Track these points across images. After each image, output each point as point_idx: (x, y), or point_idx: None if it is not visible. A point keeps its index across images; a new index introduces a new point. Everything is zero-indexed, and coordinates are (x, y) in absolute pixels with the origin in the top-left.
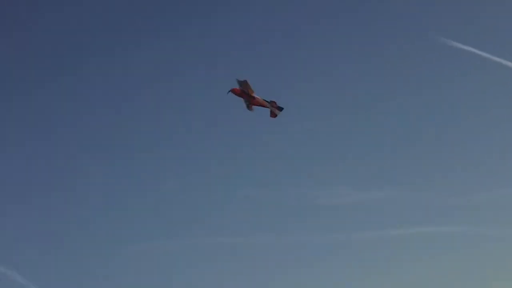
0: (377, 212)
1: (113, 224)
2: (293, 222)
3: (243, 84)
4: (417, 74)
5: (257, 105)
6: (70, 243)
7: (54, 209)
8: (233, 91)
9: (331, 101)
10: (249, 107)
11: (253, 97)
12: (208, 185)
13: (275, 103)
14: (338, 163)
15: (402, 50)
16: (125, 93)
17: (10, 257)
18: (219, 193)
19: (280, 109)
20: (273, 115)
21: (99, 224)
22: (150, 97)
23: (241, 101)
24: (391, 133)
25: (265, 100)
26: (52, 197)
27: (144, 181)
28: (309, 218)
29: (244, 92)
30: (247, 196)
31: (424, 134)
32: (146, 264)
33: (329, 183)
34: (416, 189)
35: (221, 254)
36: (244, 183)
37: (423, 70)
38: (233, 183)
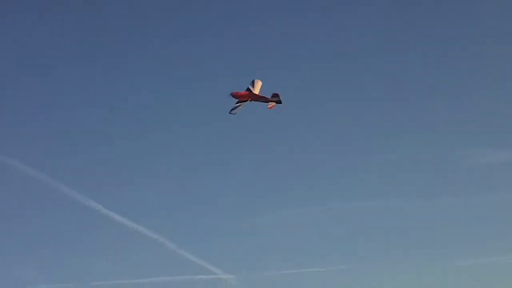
0: None
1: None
2: (440, 185)
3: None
4: None
5: (256, 101)
6: None
7: None
8: (234, 95)
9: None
10: (237, 108)
11: (252, 95)
12: (352, 149)
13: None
14: (483, 124)
15: None
16: None
17: None
18: (363, 157)
19: (279, 101)
20: (271, 106)
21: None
22: None
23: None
24: None
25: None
26: None
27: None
28: (457, 180)
29: (245, 95)
30: (392, 160)
31: None
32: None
33: (474, 144)
34: None
35: (366, 218)
36: (390, 146)
37: None
38: (379, 146)
